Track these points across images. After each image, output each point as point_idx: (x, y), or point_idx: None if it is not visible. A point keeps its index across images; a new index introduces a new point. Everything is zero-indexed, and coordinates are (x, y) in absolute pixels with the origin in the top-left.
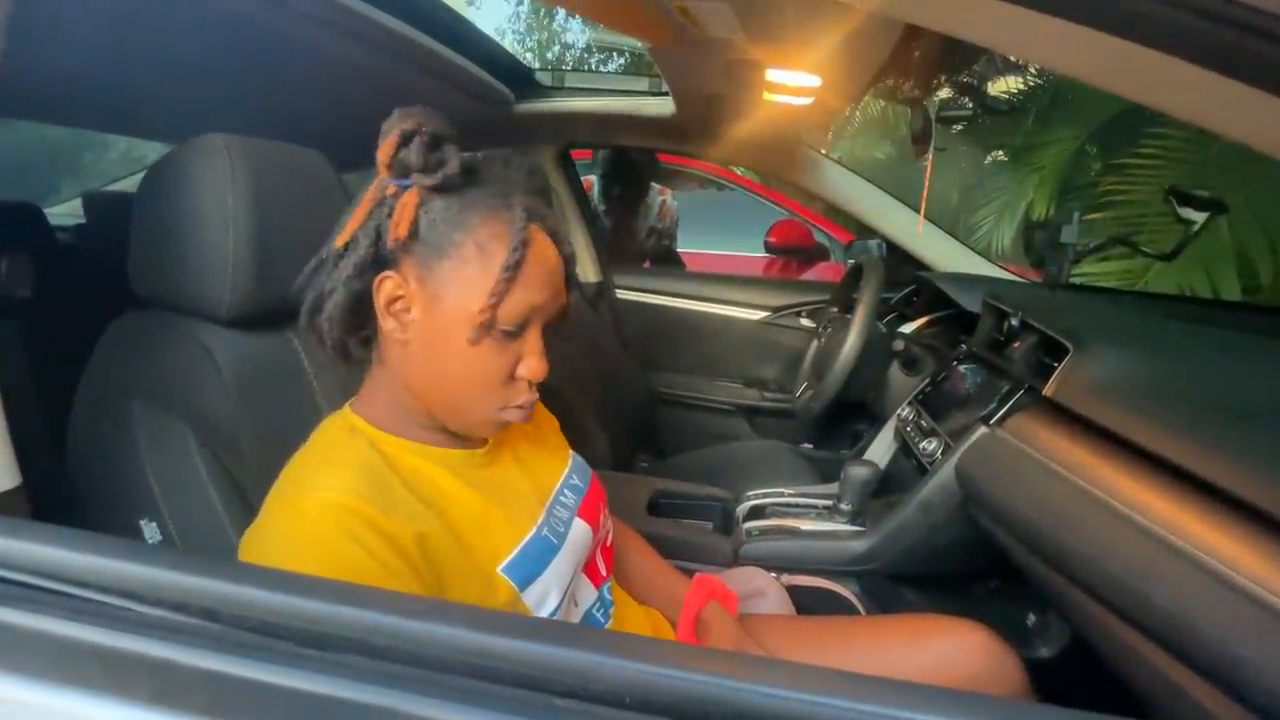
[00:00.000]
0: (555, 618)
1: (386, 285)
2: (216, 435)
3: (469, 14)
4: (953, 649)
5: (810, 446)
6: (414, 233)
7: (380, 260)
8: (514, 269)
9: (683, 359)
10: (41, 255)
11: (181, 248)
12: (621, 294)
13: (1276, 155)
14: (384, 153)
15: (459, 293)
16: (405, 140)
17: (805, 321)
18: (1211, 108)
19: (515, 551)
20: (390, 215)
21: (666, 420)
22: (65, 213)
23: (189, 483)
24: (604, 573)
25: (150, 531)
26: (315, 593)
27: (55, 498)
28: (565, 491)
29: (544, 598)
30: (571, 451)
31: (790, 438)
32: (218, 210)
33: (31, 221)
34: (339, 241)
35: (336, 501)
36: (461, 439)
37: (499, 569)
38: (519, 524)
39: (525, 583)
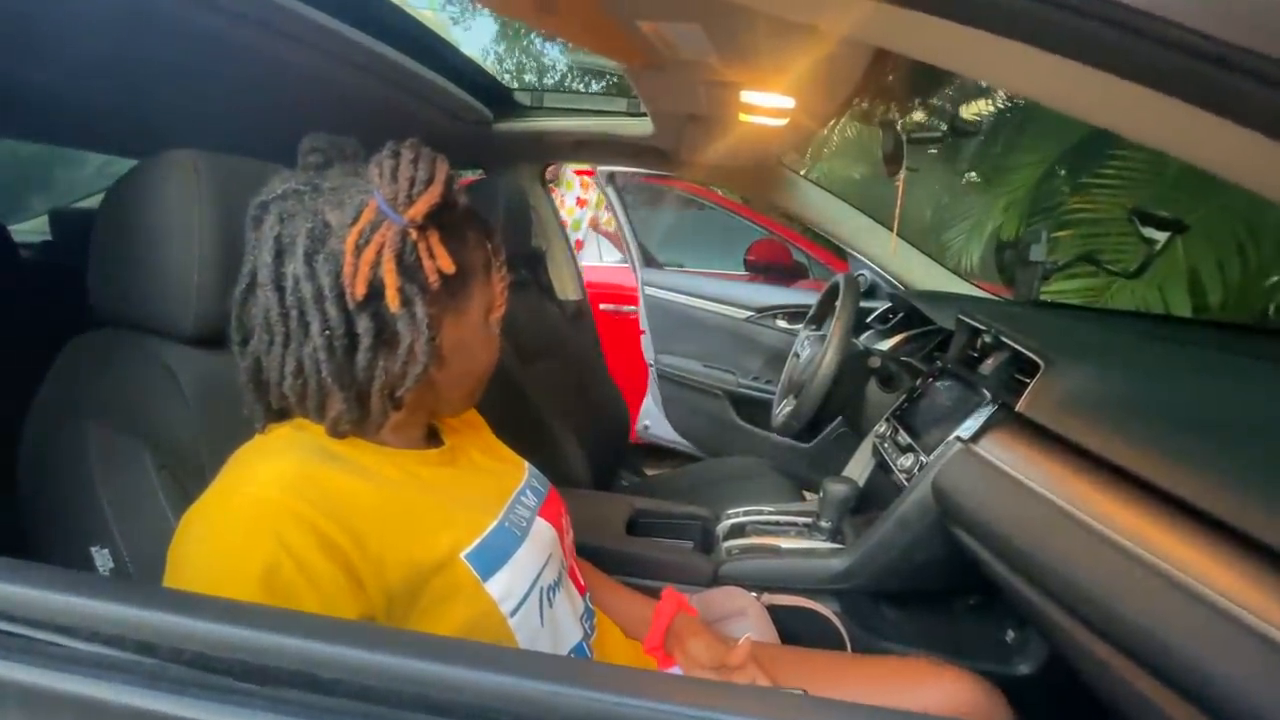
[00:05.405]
0: (524, 608)
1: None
2: (177, 456)
3: (455, 33)
4: (941, 695)
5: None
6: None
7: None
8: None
9: (686, 347)
10: (2, 274)
11: (144, 264)
12: (650, 292)
13: (1234, 180)
14: (429, 204)
15: (484, 291)
16: (451, 190)
17: (781, 323)
18: (1180, 137)
19: (477, 541)
20: (417, 260)
21: (664, 394)
22: (33, 229)
23: (145, 506)
24: (583, 583)
25: (102, 559)
26: (256, 622)
27: (5, 525)
28: (526, 493)
29: (508, 591)
30: (527, 463)
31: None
32: (182, 225)
33: None
34: (394, 306)
35: (263, 496)
36: (424, 440)
37: (461, 555)
38: (480, 518)
39: (488, 572)
